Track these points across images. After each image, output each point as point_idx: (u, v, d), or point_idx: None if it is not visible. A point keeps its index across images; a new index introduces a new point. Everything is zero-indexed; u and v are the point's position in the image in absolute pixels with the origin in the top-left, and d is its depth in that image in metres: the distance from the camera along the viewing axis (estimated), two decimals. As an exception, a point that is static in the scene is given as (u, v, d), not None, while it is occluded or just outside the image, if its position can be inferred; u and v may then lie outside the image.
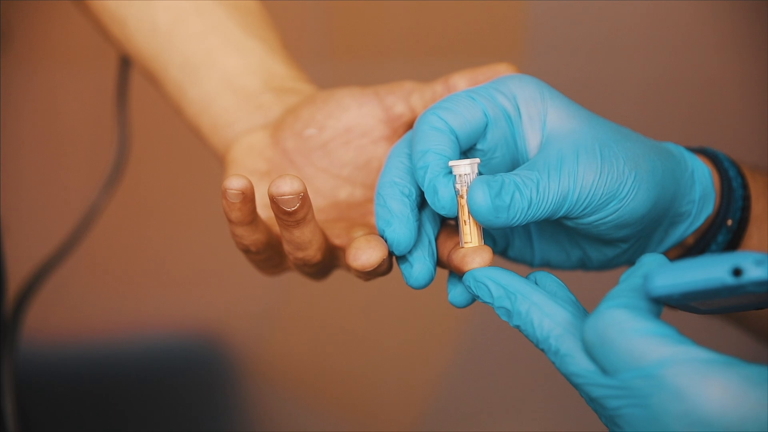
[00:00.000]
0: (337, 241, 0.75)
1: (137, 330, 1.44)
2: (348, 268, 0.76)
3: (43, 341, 1.41)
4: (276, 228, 0.76)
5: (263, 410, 1.46)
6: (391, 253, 0.70)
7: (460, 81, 0.77)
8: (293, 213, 0.69)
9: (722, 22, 1.40)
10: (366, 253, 0.68)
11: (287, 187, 0.68)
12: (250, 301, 1.47)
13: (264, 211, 0.78)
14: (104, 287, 1.43)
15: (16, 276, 1.21)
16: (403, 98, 0.79)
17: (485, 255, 0.67)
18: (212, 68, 0.86)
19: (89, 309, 1.43)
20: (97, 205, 1.23)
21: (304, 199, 0.68)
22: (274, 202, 0.68)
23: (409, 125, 0.79)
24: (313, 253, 0.72)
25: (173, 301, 1.45)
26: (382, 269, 0.71)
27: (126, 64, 1.15)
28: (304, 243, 0.71)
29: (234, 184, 0.69)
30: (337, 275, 1.48)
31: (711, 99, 1.42)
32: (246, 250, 0.75)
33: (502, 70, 0.76)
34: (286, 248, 0.73)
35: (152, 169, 1.42)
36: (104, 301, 1.44)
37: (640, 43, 1.41)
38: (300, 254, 0.72)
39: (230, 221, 0.72)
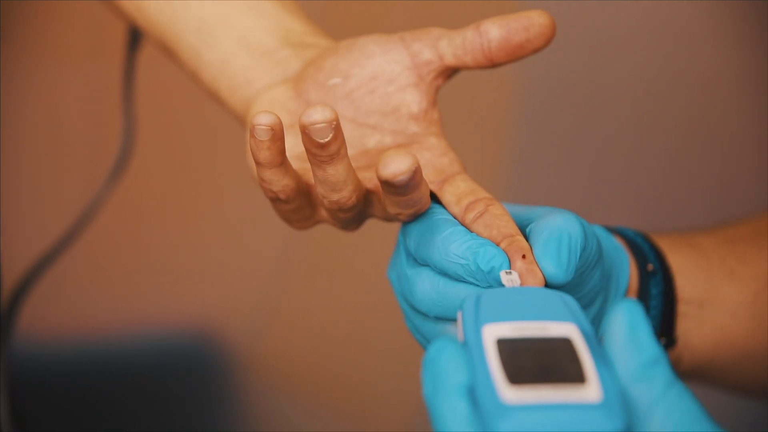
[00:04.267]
0: (369, 185, 0.73)
1: (135, 327, 1.42)
2: (383, 211, 0.74)
3: (38, 337, 1.40)
4: (307, 176, 0.74)
5: (260, 408, 1.45)
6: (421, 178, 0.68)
7: (492, 27, 0.75)
8: (326, 145, 0.66)
9: (721, 20, 1.41)
10: (395, 161, 0.65)
11: (319, 115, 0.65)
12: (249, 299, 1.45)
13: (295, 162, 0.76)
14: (102, 283, 1.42)
15: (13, 271, 1.20)
16: (430, 44, 0.76)
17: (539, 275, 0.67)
18: (228, 30, 0.84)
19: (86, 305, 1.42)
20: (97, 201, 1.21)
21: (336, 129, 0.66)
22: (305, 133, 0.66)
23: (438, 72, 0.77)
24: (348, 194, 0.70)
25: (171, 298, 1.43)
26: (415, 188, 0.67)
27: (132, 57, 1.15)
28: (339, 182, 0.69)
29: (263, 119, 0.67)
30: (338, 272, 1.47)
31: (710, 97, 1.43)
32: (275, 198, 0.72)
33: (535, 16, 0.75)
34: (319, 191, 0.70)
35: (155, 165, 1.42)
36: (101, 298, 1.42)
37: (639, 42, 1.42)
38: (335, 196, 0.70)
39: (258, 163, 0.69)
